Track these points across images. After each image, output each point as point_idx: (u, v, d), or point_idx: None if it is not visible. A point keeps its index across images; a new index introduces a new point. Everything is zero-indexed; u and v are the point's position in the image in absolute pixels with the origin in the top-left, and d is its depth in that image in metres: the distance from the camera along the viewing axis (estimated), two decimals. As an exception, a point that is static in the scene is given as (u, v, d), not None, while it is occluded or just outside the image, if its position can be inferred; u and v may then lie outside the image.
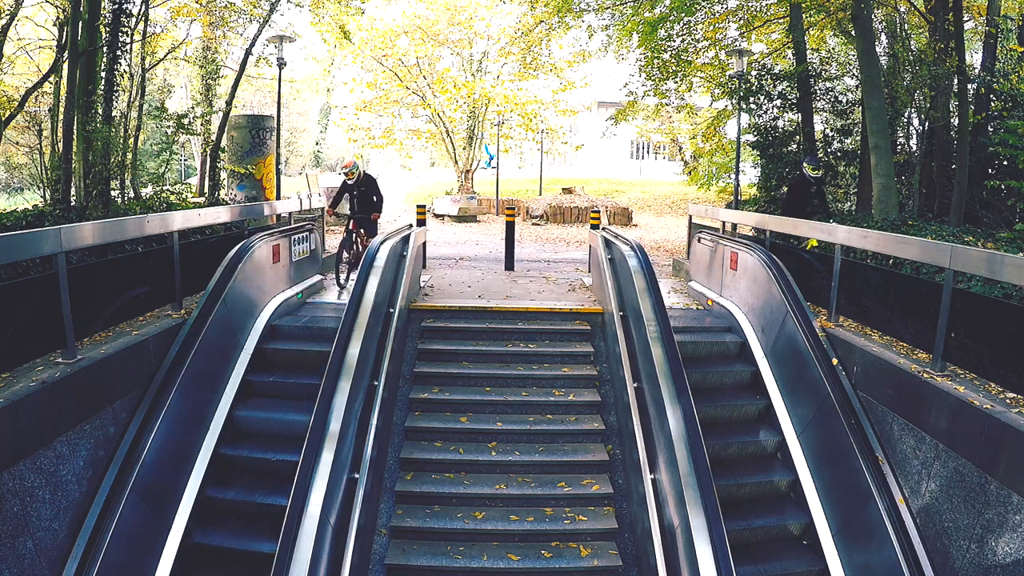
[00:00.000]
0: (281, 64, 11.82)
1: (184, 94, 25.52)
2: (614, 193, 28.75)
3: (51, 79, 11.92)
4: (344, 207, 9.69)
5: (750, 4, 13.34)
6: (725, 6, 13.68)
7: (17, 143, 15.19)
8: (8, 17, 11.12)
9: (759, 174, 12.88)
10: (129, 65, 10.52)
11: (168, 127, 11.97)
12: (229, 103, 14.35)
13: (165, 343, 4.97)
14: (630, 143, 37.92)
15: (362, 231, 8.46)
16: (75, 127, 9.26)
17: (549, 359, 6.45)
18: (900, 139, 11.78)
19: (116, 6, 9.59)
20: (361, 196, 8.41)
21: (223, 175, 14.77)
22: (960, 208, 9.50)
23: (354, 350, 4.56)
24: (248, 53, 14.20)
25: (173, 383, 4.73)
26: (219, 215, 7.04)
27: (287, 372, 5.99)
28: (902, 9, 11.98)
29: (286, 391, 5.80)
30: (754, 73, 12.21)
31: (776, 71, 12.45)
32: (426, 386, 6.07)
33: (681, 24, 13.53)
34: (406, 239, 6.86)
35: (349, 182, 8.28)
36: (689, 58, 14.27)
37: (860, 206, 11.31)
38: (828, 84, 12.29)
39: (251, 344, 6.00)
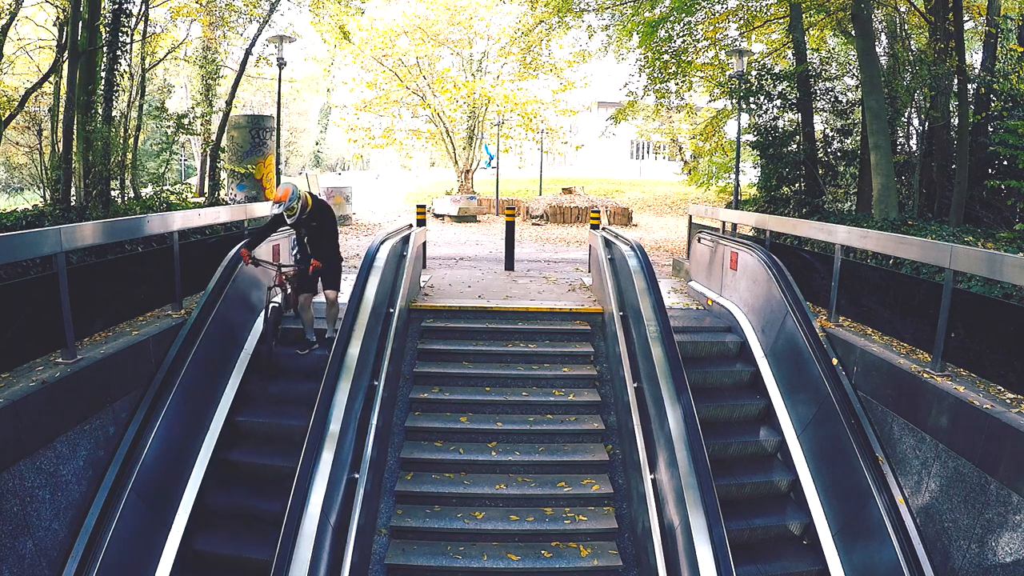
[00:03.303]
0: (281, 64, 11.82)
1: (184, 94, 25.51)
2: (614, 193, 28.77)
3: (51, 79, 11.89)
4: (276, 247, 6.71)
5: (750, 4, 13.33)
6: (725, 6, 13.67)
7: (17, 143, 15.16)
8: (8, 17, 11.11)
9: (759, 174, 12.87)
10: (129, 65, 10.50)
11: (168, 127, 11.97)
12: (229, 103, 14.34)
13: (165, 343, 4.97)
14: (630, 143, 37.95)
15: (304, 287, 5.95)
16: (75, 127, 9.25)
17: (549, 359, 6.45)
18: (900, 139, 11.77)
19: (116, 6, 9.59)
20: (314, 233, 5.76)
21: (223, 175, 14.77)
22: (960, 208, 9.49)
23: (354, 350, 4.56)
24: (248, 53, 14.20)
25: (173, 383, 4.73)
26: (219, 215, 7.04)
27: (286, 377, 5.97)
28: (902, 9, 11.96)
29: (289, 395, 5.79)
30: (754, 73, 12.20)
31: (776, 71, 12.44)
32: (426, 386, 6.07)
33: (681, 24, 13.52)
34: (406, 239, 6.85)
35: (289, 219, 5.61)
36: (689, 58, 14.27)
37: (860, 206, 11.30)
38: (828, 84, 12.27)
39: (251, 343, 6.00)
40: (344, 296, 5.54)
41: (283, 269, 5.85)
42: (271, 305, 5.76)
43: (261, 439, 5.49)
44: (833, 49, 14.75)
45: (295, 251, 5.99)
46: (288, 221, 5.64)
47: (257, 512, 4.89)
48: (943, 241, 5.76)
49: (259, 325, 6.22)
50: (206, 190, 15.61)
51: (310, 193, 5.80)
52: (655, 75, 14.35)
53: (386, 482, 5.20)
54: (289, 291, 5.92)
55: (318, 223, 5.74)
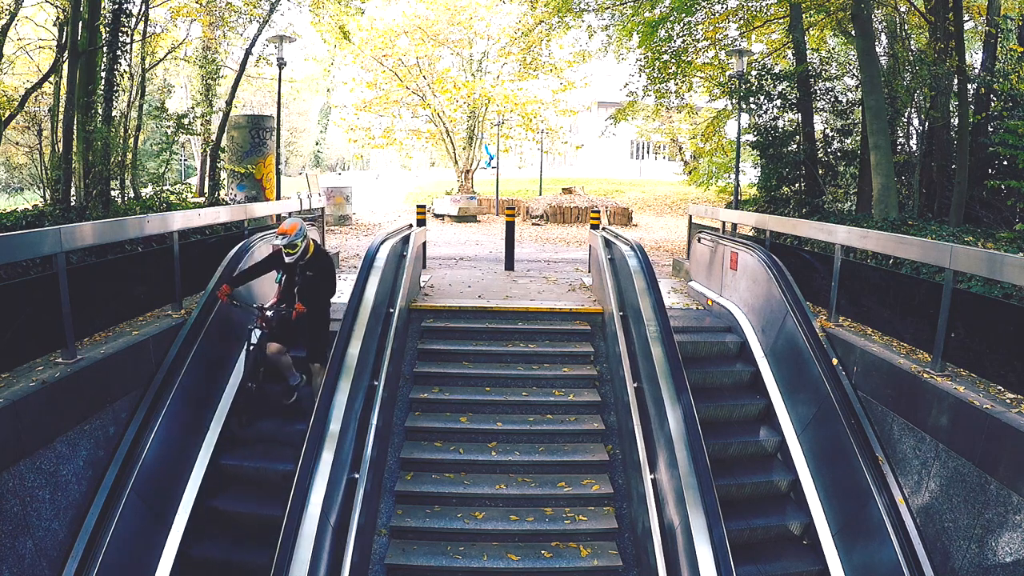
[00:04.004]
0: (281, 64, 11.81)
1: (184, 94, 25.53)
2: (614, 193, 28.77)
3: (51, 79, 11.89)
4: (257, 285, 5.89)
5: (750, 4, 13.32)
6: (725, 6, 13.66)
7: (17, 143, 15.18)
8: (8, 17, 11.11)
9: (759, 174, 12.87)
10: (129, 65, 10.49)
11: (168, 127, 11.95)
12: (229, 103, 14.34)
13: (165, 343, 4.97)
14: (630, 143, 37.97)
15: (282, 336, 5.36)
16: (75, 127, 9.24)
17: (549, 359, 6.45)
18: (900, 139, 11.76)
19: (116, 6, 9.58)
20: (306, 284, 5.27)
21: (223, 175, 14.77)
22: (960, 208, 9.49)
23: (354, 350, 4.56)
24: (248, 53, 14.19)
25: (173, 383, 4.73)
26: (219, 215, 7.04)
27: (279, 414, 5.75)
28: (902, 9, 11.96)
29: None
30: (754, 73, 12.19)
31: (776, 71, 12.43)
32: (426, 386, 6.07)
33: (681, 24, 13.51)
34: (406, 239, 6.85)
35: (288, 258, 5.20)
36: (689, 58, 14.27)
37: (860, 206, 11.30)
38: (828, 84, 12.27)
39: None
40: (344, 296, 5.49)
41: (264, 311, 5.27)
42: (250, 346, 5.23)
43: (248, 484, 5.18)
44: (833, 49, 14.75)
45: (281, 280, 5.46)
46: (286, 260, 5.21)
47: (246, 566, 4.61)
48: (943, 241, 5.76)
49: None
50: (206, 190, 15.61)
51: (316, 242, 5.42)
52: (655, 75, 14.35)
53: (386, 482, 5.20)
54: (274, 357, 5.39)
55: (314, 274, 5.25)
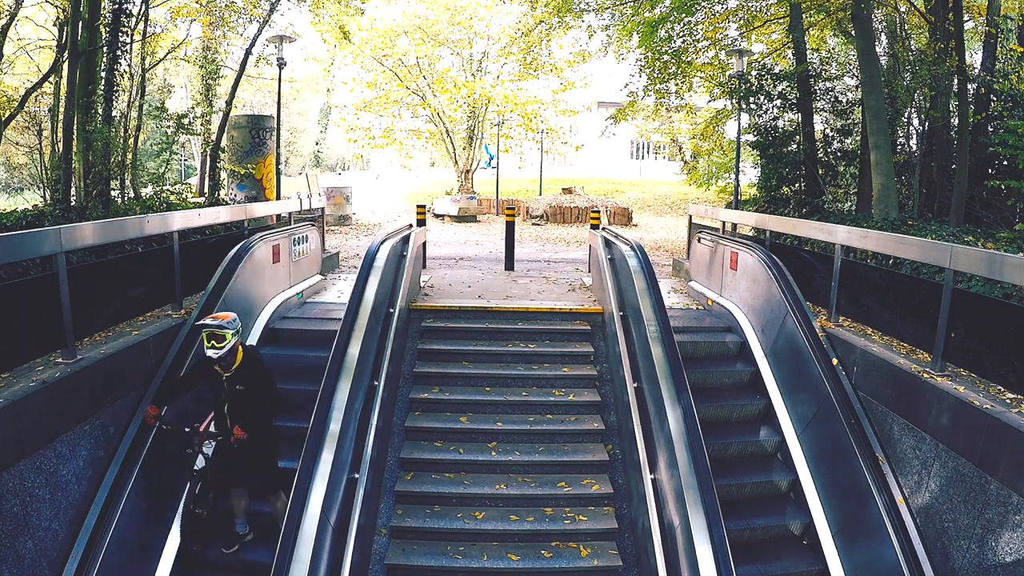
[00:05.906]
0: (281, 64, 11.82)
1: (184, 94, 25.54)
2: (614, 193, 28.78)
3: (51, 79, 11.92)
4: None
5: (750, 4, 13.33)
6: (725, 6, 13.67)
7: (17, 143, 15.20)
8: (8, 17, 11.12)
9: (759, 174, 12.87)
10: (129, 65, 10.51)
11: (168, 127, 11.96)
12: (229, 103, 14.35)
13: (165, 343, 4.97)
14: (630, 143, 37.98)
15: (235, 486, 4.53)
16: (75, 127, 9.25)
17: (549, 359, 6.45)
18: (900, 139, 11.77)
19: (116, 6, 9.59)
20: (236, 401, 4.27)
21: (223, 175, 14.77)
22: (960, 208, 9.50)
23: (354, 350, 4.56)
24: (248, 53, 14.20)
25: (173, 383, 4.72)
26: (219, 215, 7.04)
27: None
28: (902, 9, 11.97)
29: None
30: (754, 73, 12.20)
31: (776, 71, 12.44)
32: (426, 386, 6.06)
33: (681, 24, 13.53)
34: (406, 239, 6.85)
35: (212, 352, 4.08)
36: (689, 58, 14.28)
37: (860, 206, 11.31)
38: (828, 84, 12.28)
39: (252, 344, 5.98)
40: (344, 296, 5.47)
41: (203, 431, 4.45)
42: (194, 472, 4.47)
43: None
44: (833, 49, 14.76)
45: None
46: (208, 353, 4.08)
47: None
48: (943, 241, 5.76)
49: (259, 325, 6.20)
50: (206, 190, 15.63)
51: (247, 345, 4.44)
52: (655, 75, 14.37)
53: (386, 482, 5.20)
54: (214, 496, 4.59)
55: (246, 388, 4.21)
